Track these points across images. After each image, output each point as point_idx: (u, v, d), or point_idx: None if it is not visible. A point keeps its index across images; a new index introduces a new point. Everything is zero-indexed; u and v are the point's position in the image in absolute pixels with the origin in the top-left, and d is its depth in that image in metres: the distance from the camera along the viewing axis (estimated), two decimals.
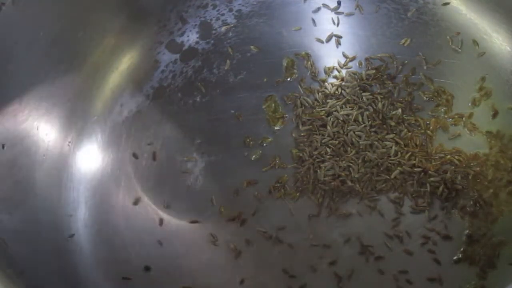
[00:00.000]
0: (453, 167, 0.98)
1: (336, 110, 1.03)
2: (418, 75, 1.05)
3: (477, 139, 1.00)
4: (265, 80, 1.08)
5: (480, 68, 1.03)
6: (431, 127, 1.01)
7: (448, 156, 0.99)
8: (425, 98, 1.04)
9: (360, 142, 1.01)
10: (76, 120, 1.05)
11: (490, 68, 1.03)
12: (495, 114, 1.00)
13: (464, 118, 1.01)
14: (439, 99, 1.03)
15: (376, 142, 1.01)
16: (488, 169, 0.97)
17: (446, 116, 1.02)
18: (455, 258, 0.94)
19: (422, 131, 1.01)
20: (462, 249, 0.94)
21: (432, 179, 0.98)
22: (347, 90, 1.05)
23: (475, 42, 1.04)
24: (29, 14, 0.95)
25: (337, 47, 1.09)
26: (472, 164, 0.98)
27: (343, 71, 1.07)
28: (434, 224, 0.97)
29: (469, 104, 1.02)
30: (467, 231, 0.95)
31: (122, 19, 1.09)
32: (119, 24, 1.09)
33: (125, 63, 1.10)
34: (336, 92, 1.05)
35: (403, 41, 1.07)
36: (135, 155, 1.06)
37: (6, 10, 0.91)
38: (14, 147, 0.96)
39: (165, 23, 1.11)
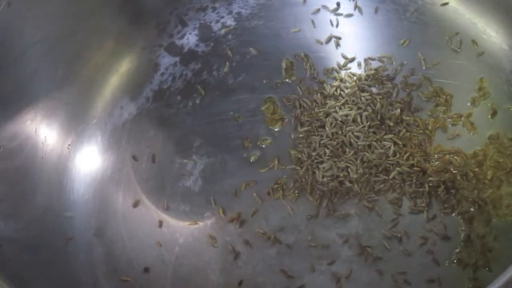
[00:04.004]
0: (452, 167, 0.98)
1: (335, 111, 1.03)
2: (417, 76, 1.05)
3: (476, 139, 1.00)
4: (264, 81, 1.08)
5: (479, 68, 1.03)
6: (430, 127, 1.01)
7: (447, 156, 0.99)
8: (424, 98, 1.03)
9: (359, 143, 1.01)
10: (76, 123, 1.05)
11: (489, 68, 1.02)
12: (494, 114, 1.00)
13: (463, 118, 1.01)
14: (438, 99, 1.03)
15: (374, 143, 1.01)
16: (488, 169, 0.96)
17: (445, 116, 1.01)
18: (453, 258, 0.94)
19: (421, 131, 1.01)
20: (457, 250, 0.94)
21: (430, 179, 0.98)
22: (346, 91, 1.05)
23: (474, 42, 1.03)
24: (26, 17, 0.95)
25: (337, 48, 1.09)
26: (471, 163, 0.97)
27: (342, 72, 1.07)
28: (433, 224, 0.97)
29: (468, 104, 1.02)
30: (466, 231, 0.94)
31: (121, 22, 1.10)
32: (118, 27, 1.09)
33: (125, 66, 1.10)
34: (335, 93, 1.05)
35: (402, 41, 1.07)
36: (135, 158, 1.06)
37: (1, 13, 0.91)
38: (11, 149, 0.96)
39: (164, 26, 1.12)
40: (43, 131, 1.01)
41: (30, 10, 0.96)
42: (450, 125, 1.01)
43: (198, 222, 1.02)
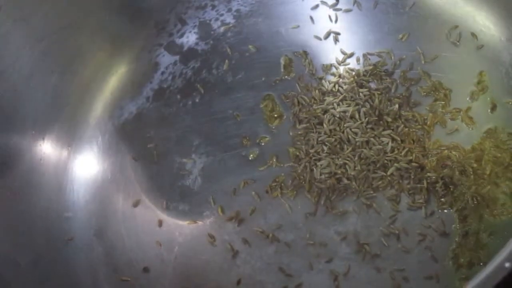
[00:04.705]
0: (450, 163, 0.96)
1: (333, 108, 1.02)
2: (416, 70, 1.04)
3: (475, 134, 0.98)
4: (263, 79, 1.08)
5: (478, 61, 1.01)
6: (428, 123, 1.00)
7: (445, 151, 0.97)
8: (423, 93, 1.02)
9: (356, 139, 1.00)
10: (76, 124, 1.06)
11: (488, 61, 1.01)
12: (493, 108, 0.98)
13: (461, 113, 0.99)
14: (437, 93, 1.01)
15: (372, 139, 1.00)
16: (486, 164, 0.95)
17: (443, 111, 1.00)
18: (451, 256, 0.93)
19: (419, 126, 1.00)
20: (452, 247, 0.93)
21: (429, 174, 0.97)
22: (344, 87, 1.04)
23: (473, 35, 1.02)
24: (19, 19, 0.96)
25: (335, 43, 1.08)
26: (470, 158, 0.96)
27: (341, 68, 1.06)
28: (431, 220, 0.96)
29: (468, 98, 1.00)
30: (460, 228, 0.94)
31: (121, 22, 1.10)
32: (118, 27, 1.09)
33: (124, 66, 1.10)
34: (333, 89, 1.04)
35: (401, 36, 1.06)
36: (135, 158, 1.06)
37: None
38: (10, 152, 0.97)
39: (164, 25, 1.12)
40: (41, 133, 1.01)
41: (25, 12, 0.96)
42: (449, 120, 1.00)
43: (197, 221, 1.02)
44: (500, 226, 0.92)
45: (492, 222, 0.92)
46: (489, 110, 0.99)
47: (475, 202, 0.93)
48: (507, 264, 0.62)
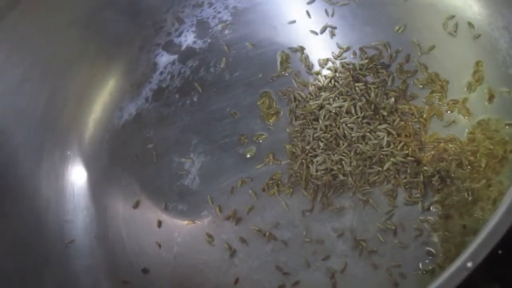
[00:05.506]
0: (447, 156, 0.95)
1: (329, 103, 1.02)
2: (412, 62, 1.02)
3: (471, 125, 0.96)
4: (260, 76, 1.08)
5: (475, 51, 0.99)
6: (424, 115, 0.98)
7: (442, 144, 0.96)
8: (419, 85, 1.01)
9: (352, 134, 0.99)
10: (75, 126, 1.07)
11: (485, 50, 0.98)
12: (490, 98, 0.96)
13: (458, 104, 0.98)
14: (434, 85, 1.00)
15: (368, 134, 0.99)
16: (482, 157, 0.93)
17: (440, 103, 0.99)
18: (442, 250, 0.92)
19: (416, 119, 0.99)
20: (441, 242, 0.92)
21: (425, 168, 0.95)
22: (340, 82, 1.03)
23: (470, 25, 1.00)
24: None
25: (332, 38, 1.07)
26: (466, 151, 0.94)
27: (337, 62, 1.05)
28: (428, 215, 0.94)
29: (465, 89, 0.99)
30: (446, 224, 0.92)
31: (119, 23, 1.10)
32: (116, 28, 1.10)
33: (123, 67, 1.11)
34: (329, 84, 1.03)
35: (397, 27, 1.04)
36: (134, 158, 1.07)
37: None
38: (8, 155, 0.98)
39: (162, 25, 1.12)
40: (40, 136, 1.02)
41: (22, 13, 0.97)
42: (447, 112, 0.98)
43: (195, 221, 1.02)
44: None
45: (475, 222, 0.91)
46: (486, 101, 0.97)
47: (470, 196, 0.92)
48: (469, 264, 0.60)
